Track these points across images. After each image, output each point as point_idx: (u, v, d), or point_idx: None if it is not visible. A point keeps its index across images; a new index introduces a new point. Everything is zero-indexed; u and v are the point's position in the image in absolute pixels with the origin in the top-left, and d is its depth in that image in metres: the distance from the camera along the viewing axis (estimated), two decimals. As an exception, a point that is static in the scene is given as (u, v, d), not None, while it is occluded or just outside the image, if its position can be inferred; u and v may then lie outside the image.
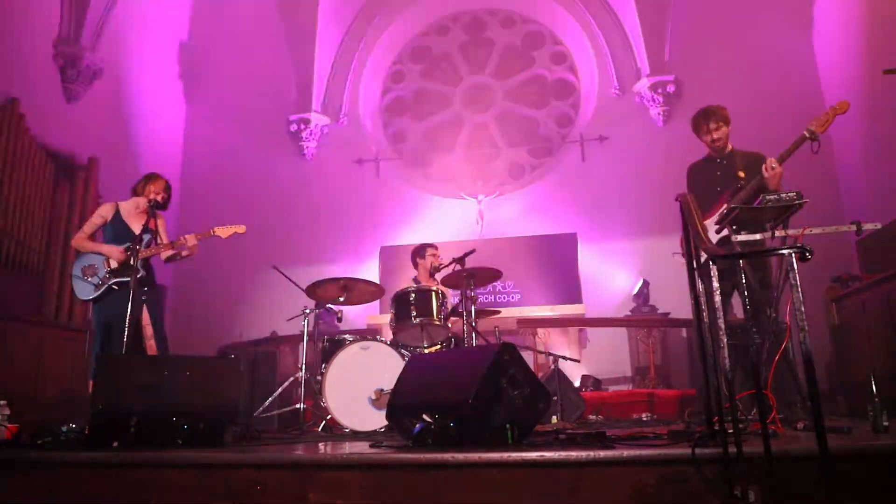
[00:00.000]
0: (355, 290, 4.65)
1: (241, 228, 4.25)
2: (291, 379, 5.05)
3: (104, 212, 4.09)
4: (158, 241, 4.05)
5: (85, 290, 3.94)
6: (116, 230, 4.03)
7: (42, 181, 6.12)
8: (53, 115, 6.69)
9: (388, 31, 9.24)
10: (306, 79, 8.83)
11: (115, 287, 3.88)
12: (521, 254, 7.71)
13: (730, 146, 3.67)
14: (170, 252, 4.08)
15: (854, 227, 2.91)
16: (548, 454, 2.09)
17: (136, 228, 3.98)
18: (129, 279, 3.68)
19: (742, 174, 3.44)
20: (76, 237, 4.10)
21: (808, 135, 3.17)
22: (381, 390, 3.91)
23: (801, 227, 2.86)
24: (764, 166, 3.24)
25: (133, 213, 4.08)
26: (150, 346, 3.93)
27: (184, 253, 4.11)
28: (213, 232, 4.17)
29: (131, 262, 3.72)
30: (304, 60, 8.80)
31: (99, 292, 3.90)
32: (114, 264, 3.90)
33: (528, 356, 5.97)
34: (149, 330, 3.93)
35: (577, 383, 5.83)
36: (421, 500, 2.12)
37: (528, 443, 2.50)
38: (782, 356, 2.87)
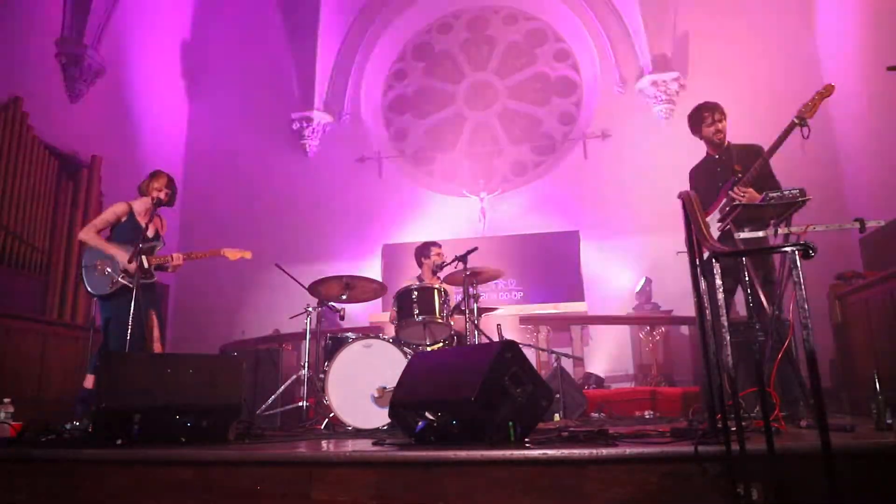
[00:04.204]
0: (358, 288, 4.65)
1: (248, 254, 4.34)
2: (294, 377, 5.06)
3: (119, 210, 4.12)
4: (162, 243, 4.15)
5: (99, 285, 3.94)
6: (130, 230, 4.06)
7: (45, 180, 6.14)
8: (56, 114, 6.71)
9: (390, 29, 9.23)
10: (308, 77, 8.82)
11: (131, 285, 3.89)
12: (524, 252, 7.70)
13: (727, 141, 3.68)
14: (171, 263, 4.12)
15: (857, 225, 2.90)
16: (550, 452, 2.09)
17: (150, 230, 4.04)
18: (143, 281, 3.81)
19: (738, 167, 3.45)
20: (86, 229, 4.11)
21: (797, 121, 3.18)
22: (384, 388, 3.92)
23: (804, 225, 2.85)
24: (734, 193, 3.27)
25: (143, 214, 4.12)
26: (157, 348, 4.00)
27: (170, 268, 4.17)
28: (222, 252, 4.24)
29: (145, 265, 3.81)
30: (306, 58, 8.79)
31: (111, 290, 3.92)
32: (125, 267, 3.93)
33: (530, 354, 5.96)
34: (156, 332, 4.00)
35: (578, 381, 5.83)
36: (423, 497, 2.12)
37: (530, 441, 2.49)
38: (785, 354, 2.86)
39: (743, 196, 3.23)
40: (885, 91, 6.06)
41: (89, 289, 3.99)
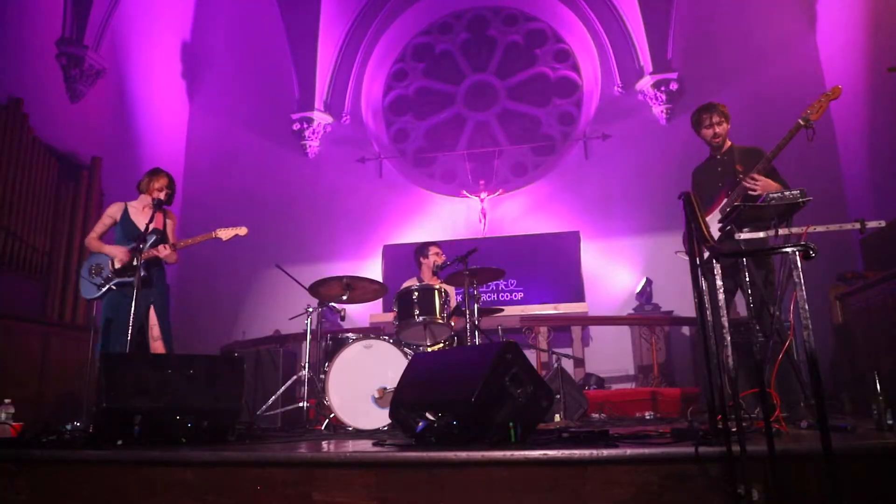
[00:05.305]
0: (358, 289, 4.65)
1: (243, 230, 4.27)
2: (294, 377, 5.06)
3: (112, 212, 4.14)
4: (169, 240, 4.10)
5: (89, 290, 4.03)
6: (126, 230, 4.06)
7: (46, 181, 6.14)
8: (57, 115, 6.71)
9: (390, 29, 9.23)
10: (309, 77, 8.83)
11: (114, 287, 3.95)
12: (524, 252, 7.70)
13: (728, 143, 3.69)
14: (160, 255, 4.07)
15: (858, 225, 2.90)
16: (551, 453, 2.09)
17: (153, 227, 4.02)
18: (130, 279, 3.74)
19: (740, 167, 3.45)
20: (87, 237, 4.18)
21: (802, 123, 3.18)
22: (385, 388, 3.92)
23: (805, 225, 2.85)
24: (747, 184, 3.27)
25: (140, 212, 4.10)
26: (157, 346, 3.98)
27: (169, 261, 4.14)
28: (215, 234, 4.21)
29: (134, 262, 3.77)
30: (306, 59, 8.80)
31: (101, 292, 3.98)
32: (117, 264, 3.94)
33: (530, 355, 5.96)
34: (155, 331, 3.98)
35: (579, 382, 5.82)
36: (424, 498, 2.12)
37: (531, 441, 2.49)
38: (786, 354, 2.86)
39: (757, 184, 3.22)
40: (886, 91, 6.06)
41: (83, 295, 4.09)
